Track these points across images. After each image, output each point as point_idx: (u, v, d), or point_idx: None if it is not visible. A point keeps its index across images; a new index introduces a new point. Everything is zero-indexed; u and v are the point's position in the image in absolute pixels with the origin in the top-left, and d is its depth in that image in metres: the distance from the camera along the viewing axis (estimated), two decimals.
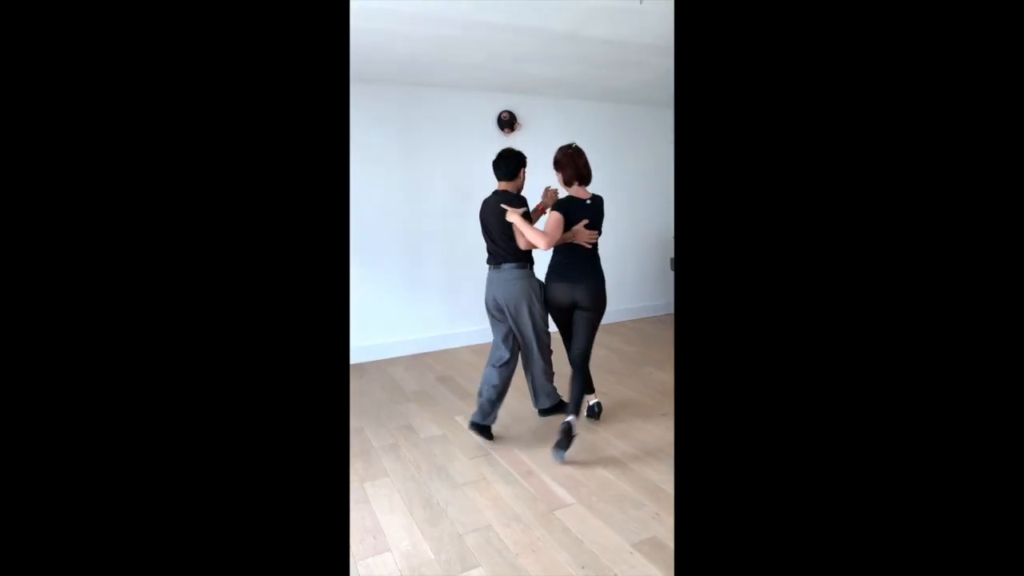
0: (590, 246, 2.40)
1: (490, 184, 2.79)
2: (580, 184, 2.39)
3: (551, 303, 2.47)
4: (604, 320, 4.62)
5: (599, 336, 4.29)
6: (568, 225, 2.35)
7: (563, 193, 2.45)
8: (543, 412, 2.72)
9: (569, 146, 2.41)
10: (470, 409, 2.91)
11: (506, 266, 2.43)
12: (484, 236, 2.52)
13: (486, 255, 2.54)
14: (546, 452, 2.39)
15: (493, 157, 2.57)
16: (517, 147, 2.62)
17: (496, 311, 2.49)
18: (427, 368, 3.65)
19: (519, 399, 3.05)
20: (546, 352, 2.57)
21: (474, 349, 4.04)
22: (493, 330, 2.56)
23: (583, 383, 2.46)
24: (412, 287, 3.91)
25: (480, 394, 2.52)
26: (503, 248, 2.42)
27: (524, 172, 2.53)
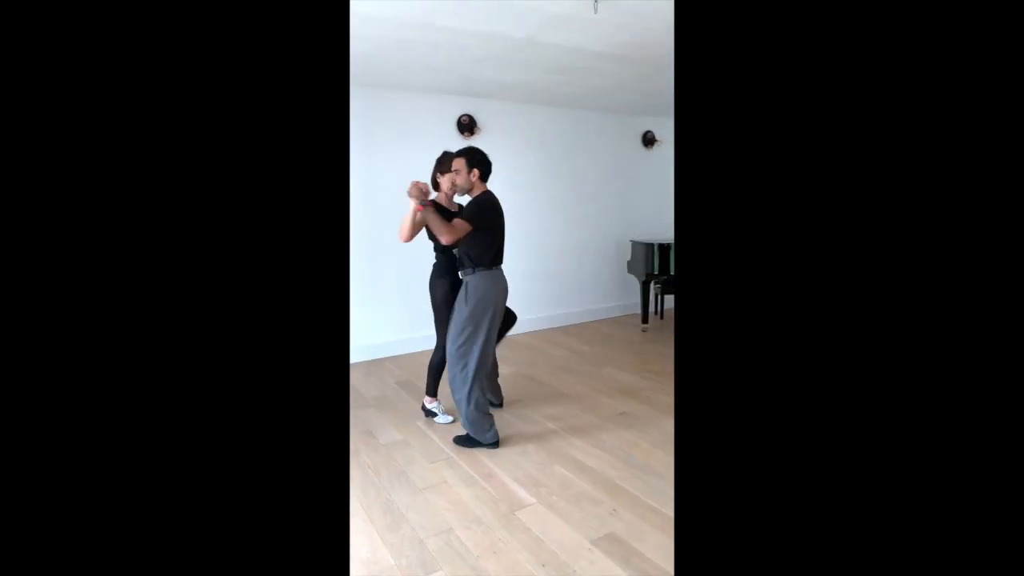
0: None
1: None
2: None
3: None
4: (563, 321, 4.77)
5: (557, 336, 4.40)
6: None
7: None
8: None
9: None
10: None
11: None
12: (499, 238, 2.49)
13: (497, 257, 2.49)
14: (507, 454, 2.41)
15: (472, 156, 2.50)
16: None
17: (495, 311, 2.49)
18: (386, 373, 3.60)
19: None
20: None
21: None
22: (489, 333, 2.46)
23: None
24: (370, 291, 3.85)
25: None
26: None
27: None
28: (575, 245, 4.81)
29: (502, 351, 3.67)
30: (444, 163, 2.59)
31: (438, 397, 2.82)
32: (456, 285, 2.57)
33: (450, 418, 2.76)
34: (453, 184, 2.51)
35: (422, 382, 3.38)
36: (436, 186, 2.65)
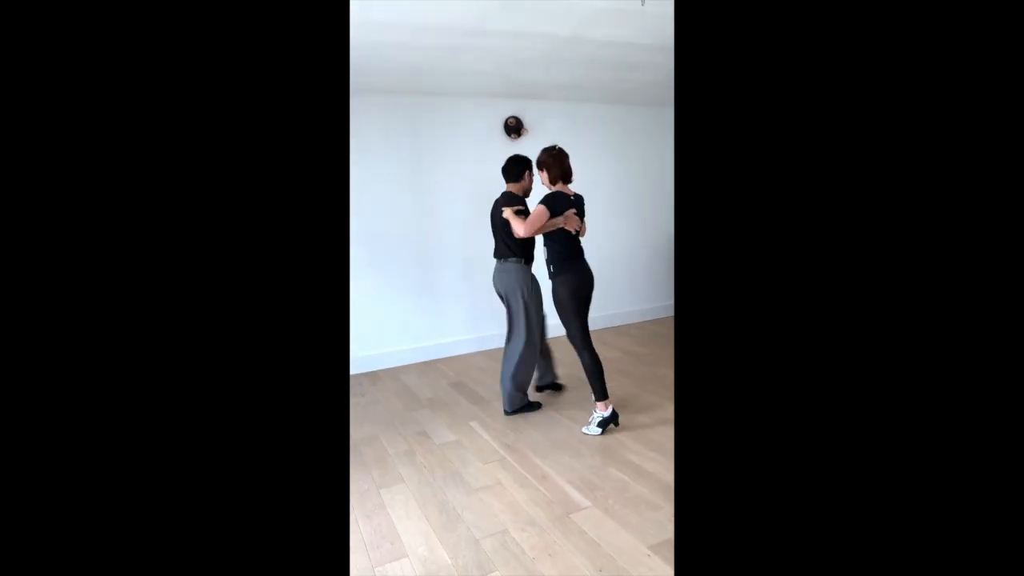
0: (576, 233, 2.56)
1: (500, 189, 2.84)
2: (564, 182, 2.58)
3: (580, 291, 2.56)
4: (616, 321, 4.69)
5: (610, 336, 4.33)
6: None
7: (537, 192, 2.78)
8: (507, 413, 2.85)
9: (553, 148, 2.58)
10: (484, 414, 2.92)
11: (503, 259, 2.76)
12: (492, 232, 2.81)
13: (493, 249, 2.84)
14: (561, 456, 2.39)
15: (502, 163, 2.81)
16: (524, 152, 2.78)
17: (500, 298, 2.85)
18: (440, 374, 3.66)
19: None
20: (531, 350, 2.76)
21: (486, 354, 4.05)
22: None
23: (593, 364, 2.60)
24: (424, 294, 3.93)
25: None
26: (501, 243, 2.75)
27: (530, 175, 2.80)
28: (626, 243, 4.71)
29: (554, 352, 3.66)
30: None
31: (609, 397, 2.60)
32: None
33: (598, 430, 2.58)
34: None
35: (474, 383, 3.42)
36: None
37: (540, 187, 2.78)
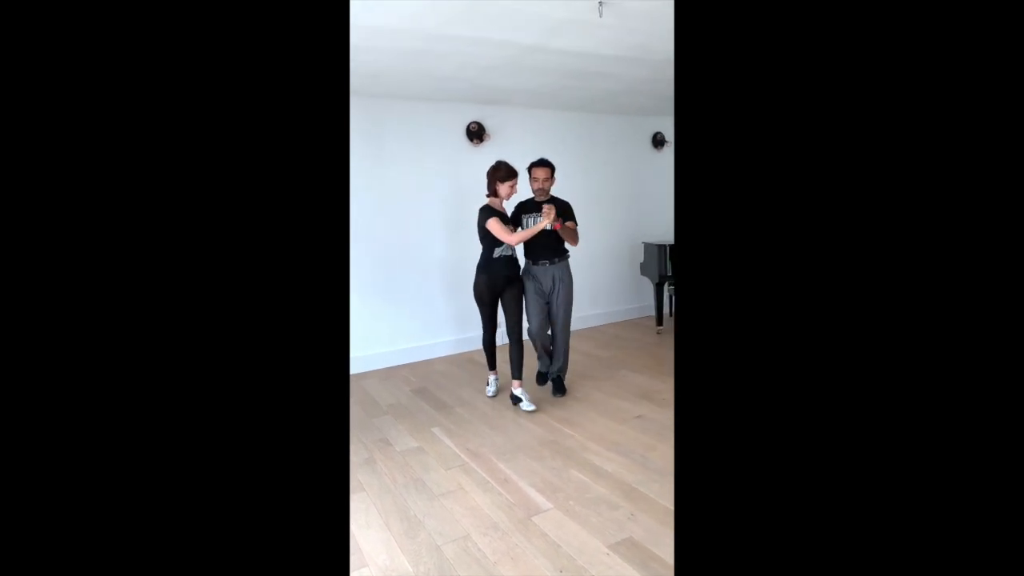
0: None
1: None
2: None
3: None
4: (577, 325, 4.77)
5: (572, 340, 4.36)
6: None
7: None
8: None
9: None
10: (446, 420, 2.91)
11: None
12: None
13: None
14: (523, 459, 2.40)
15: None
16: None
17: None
18: (402, 380, 3.62)
19: (499, 409, 3.06)
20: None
21: (448, 360, 4.03)
22: None
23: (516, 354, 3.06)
24: (384, 299, 3.88)
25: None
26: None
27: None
28: (588, 248, 4.77)
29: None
30: (504, 171, 2.91)
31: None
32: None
33: (533, 406, 2.93)
34: (542, 189, 3.00)
35: (438, 389, 3.40)
36: (496, 192, 2.91)
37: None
